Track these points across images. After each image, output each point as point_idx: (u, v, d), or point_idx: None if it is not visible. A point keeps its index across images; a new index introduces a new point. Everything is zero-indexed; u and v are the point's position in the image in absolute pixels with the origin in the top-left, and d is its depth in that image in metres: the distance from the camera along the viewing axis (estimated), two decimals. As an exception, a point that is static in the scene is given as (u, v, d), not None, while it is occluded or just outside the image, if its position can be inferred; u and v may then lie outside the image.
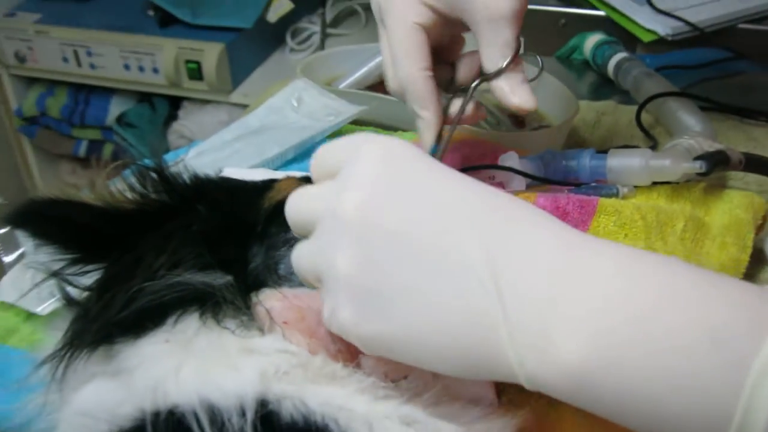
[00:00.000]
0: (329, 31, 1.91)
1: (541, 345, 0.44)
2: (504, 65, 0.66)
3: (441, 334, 0.47)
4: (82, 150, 2.00)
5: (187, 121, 1.92)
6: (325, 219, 0.51)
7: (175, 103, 1.95)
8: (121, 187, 0.61)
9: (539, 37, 0.68)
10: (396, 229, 0.48)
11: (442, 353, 0.48)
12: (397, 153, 0.50)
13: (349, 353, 0.62)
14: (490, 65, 0.68)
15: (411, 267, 0.47)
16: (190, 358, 0.53)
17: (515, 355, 0.44)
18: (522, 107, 0.67)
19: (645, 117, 1.03)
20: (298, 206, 0.55)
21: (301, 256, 0.54)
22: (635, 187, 0.82)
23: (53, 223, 0.57)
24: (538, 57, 1.03)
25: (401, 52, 0.68)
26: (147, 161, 0.63)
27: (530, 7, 0.68)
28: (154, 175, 0.62)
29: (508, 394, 0.62)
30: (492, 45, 0.67)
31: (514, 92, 0.67)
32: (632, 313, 0.43)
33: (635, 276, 0.44)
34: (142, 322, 0.55)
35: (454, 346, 0.47)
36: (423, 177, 0.50)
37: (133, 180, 0.62)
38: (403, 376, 0.62)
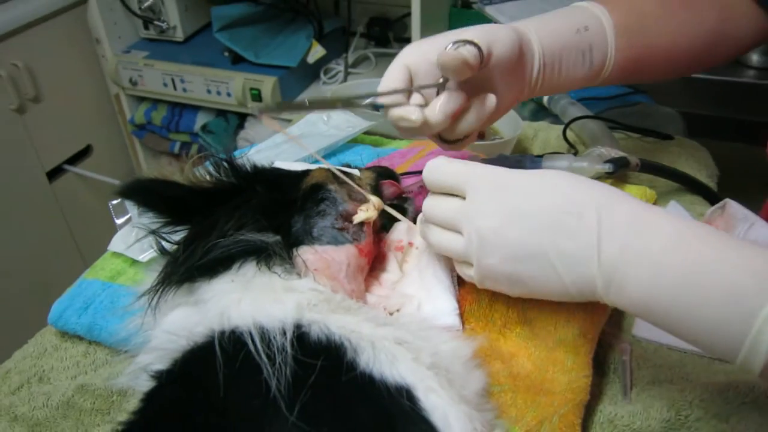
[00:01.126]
0: (350, 70, 1.89)
1: (619, 285, 0.46)
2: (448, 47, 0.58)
3: (557, 274, 0.49)
4: (176, 148, 1.98)
5: (251, 130, 1.90)
6: (477, 191, 0.52)
7: (242, 118, 1.93)
8: (203, 173, 0.60)
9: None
10: (529, 210, 0.50)
11: (554, 287, 0.50)
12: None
13: (360, 292, 0.62)
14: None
15: (540, 234, 0.49)
16: (248, 294, 0.52)
17: (604, 291, 0.47)
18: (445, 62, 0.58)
19: (569, 133, 1.01)
20: (443, 169, 0.55)
21: (444, 209, 0.55)
22: (562, 181, 0.81)
23: (152, 194, 0.57)
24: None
25: (383, 78, 0.63)
26: (221, 155, 0.62)
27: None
28: (225, 164, 0.61)
29: (471, 324, 0.61)
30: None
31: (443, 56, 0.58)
32: (677, 272, 0.43)
33: (683, 245, 0.44)
34: (216, 267, 0.54)
35: (563, 283, 0.49)
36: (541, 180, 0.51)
37: (210, 168, 0.60)
38: (396, 310, 0.61)
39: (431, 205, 0.56)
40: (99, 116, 2.02)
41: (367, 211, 0.63)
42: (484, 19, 1.58)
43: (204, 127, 1.90)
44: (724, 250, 0.43)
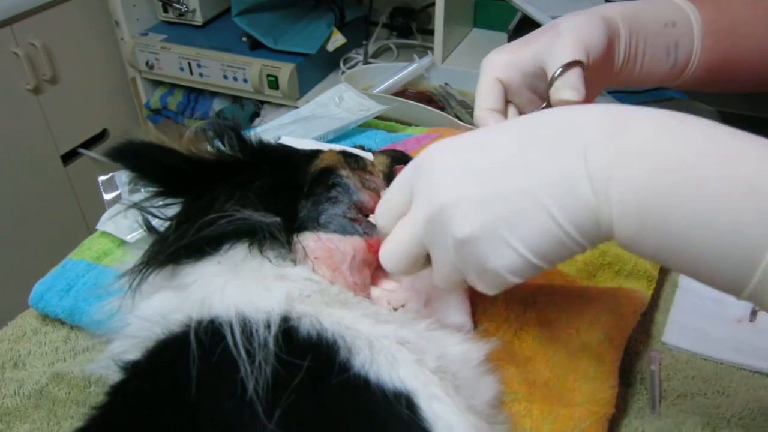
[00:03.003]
0: (370, 60, 1.83)
1: (607, 188, 0.37)
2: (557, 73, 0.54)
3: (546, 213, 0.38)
4: (197, 134, 1.96)
5: (266, 118, 1.86)
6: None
7: (258, 105, 1.89)
8: (206, 143, 0.54)
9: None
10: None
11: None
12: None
13: (364, 286, 0.56)
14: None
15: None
16: (235, 279, 0.46)
17: (594, 200, 0.37)
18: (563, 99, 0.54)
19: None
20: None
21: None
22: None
23: (145, 160, 0.50)
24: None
25: (477, 95, 0.59)
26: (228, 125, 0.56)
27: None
28: (231, 133, 0.55)
29: (483, 324, 0.55)
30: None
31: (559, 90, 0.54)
32: (676, 162, 0.35)
33: (678, 132, 0.36)
34: (203, 247, 0.48)
35: (557, 222, 0.38)
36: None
37: (212, 135, 0.55)
38: (402, 305, 0.55)
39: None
40: (115, 100, 1.99)
41: None
42: (511, 10, 1.50)
43: (219, 114, 1.86)
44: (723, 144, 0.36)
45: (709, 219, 0.34)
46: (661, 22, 0.60)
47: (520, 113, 0.59)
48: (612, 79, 0.61)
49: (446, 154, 0.42)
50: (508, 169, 0.39)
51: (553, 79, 0.53)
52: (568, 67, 0.53)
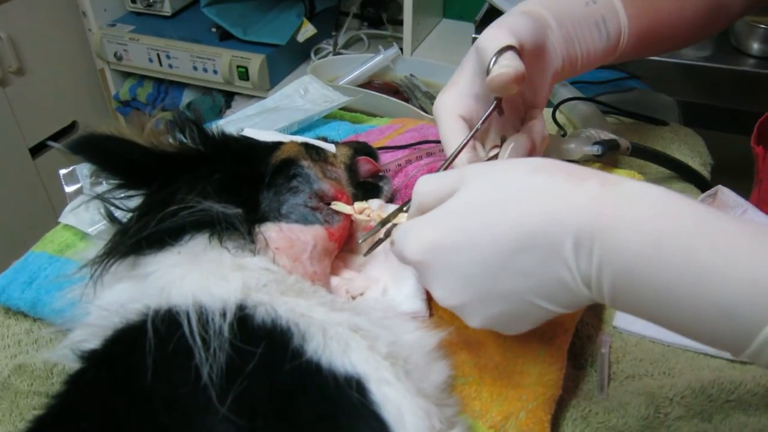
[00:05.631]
0: (341, 50, 1.83)
1: (600, 285, 0.38)
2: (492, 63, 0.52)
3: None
4: (161, 127, 1.94)
5: (237, 109, 1.84)
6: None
7: (229, 96, 1.88)
8: (168, 135, 0.55)
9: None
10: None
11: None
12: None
13: (323, 276, 0.57)
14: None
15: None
16: (194, 269, 0.47)
17: (588, 293, 0.39)
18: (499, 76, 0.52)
19: (559, 116, 0.96)
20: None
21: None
22: (547, 163, 0.76)
23: (106, 152, 0.51)
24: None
25: (445, 142, 0.57)
26: (188, 114, 0.57)
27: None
28: (193, 126, 0.56)
29: (438, 310, 0.57)
30: None
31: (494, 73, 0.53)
32: (657, 274, 0.36)
33: (661, 234, 0.36)
34: (164, 238, 0.49)
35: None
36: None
37: (174, 128, 0.55)
38: (360, 294, 0.57)
39: None
40: (84, 92, 1.97)
41: (345, 206, 0.59)
42: (479, 1, 1.52)
43: (189, 105, 1.85)
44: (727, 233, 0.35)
45: (692, 324, 0.36)
46: (581, 3, 0.62)
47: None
48: (559, 71, 0.62)
49: (432, 257, 0.43)
50: (499, 275, 0.41)
51: (489, 69, 0.52)
52: (500, 52, 0.52)
